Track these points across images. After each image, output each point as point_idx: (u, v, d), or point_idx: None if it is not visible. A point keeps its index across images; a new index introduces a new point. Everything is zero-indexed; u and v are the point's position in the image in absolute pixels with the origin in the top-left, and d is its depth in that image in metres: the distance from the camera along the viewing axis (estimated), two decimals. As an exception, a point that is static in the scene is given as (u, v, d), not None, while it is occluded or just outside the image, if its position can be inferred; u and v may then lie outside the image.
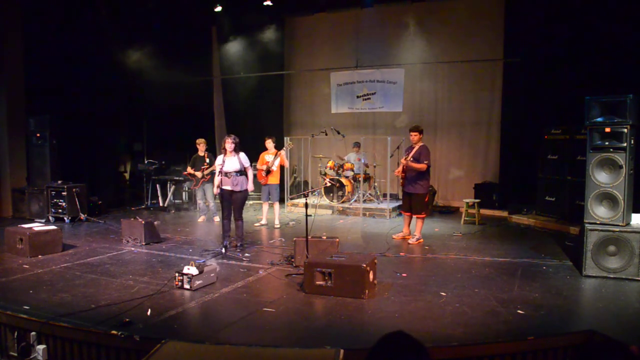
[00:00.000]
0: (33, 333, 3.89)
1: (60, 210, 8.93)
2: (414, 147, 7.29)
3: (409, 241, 7.24)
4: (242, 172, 6.79)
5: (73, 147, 10.04)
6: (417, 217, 7.30)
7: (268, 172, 8.47)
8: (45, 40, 9.53)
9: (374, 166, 10.55)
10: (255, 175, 8.48)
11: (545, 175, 8.74)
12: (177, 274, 5.00)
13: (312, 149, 11.20)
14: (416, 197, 7.25)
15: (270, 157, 8.54)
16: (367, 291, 4.64)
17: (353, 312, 4.35)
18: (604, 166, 5.49)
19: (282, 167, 9.17)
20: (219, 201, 7.14)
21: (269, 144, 8.72)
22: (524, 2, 9.51)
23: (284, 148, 8.83)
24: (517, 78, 9.77)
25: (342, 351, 2.53)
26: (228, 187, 6.67)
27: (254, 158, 8.44)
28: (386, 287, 5.02)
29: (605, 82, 7.48)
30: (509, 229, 8.60)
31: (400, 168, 7.40)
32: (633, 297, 4.75)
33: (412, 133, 7.28)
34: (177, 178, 10.69)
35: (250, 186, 6.89)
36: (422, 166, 7.06)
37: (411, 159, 7.13)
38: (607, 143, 5.45)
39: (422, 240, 7.29)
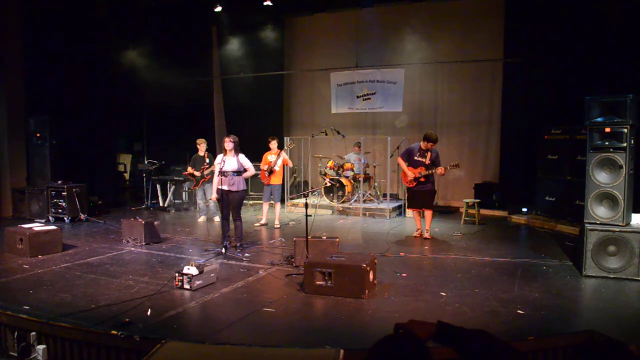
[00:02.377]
0: (33, 333, 3.90)
1: (60, 210, 8.92)
2: (424, 150, 7.29)
3: (425, 236, 7.50)
4: (240, 172, 6.79)
5: (73, 147, 10.03)
6: (428, 212, 7.56)
7: (271, 172, 8.49)
8: (45, 40, 9.52)
9: (374, 166, 10.55)
10: (258, 175, 8.50)
11: (545, 175, 8.72)
12: (177, 274, 5.00)
13: (312, 149, 11.21)
14: (428, 193, 7.47)
15: (273, 157, 8.56)
16: (367, 291, 4.64)
17: (353, 312, 4.35)
18: (604, 166, 5.49)
19: (285, 168, 9.18)
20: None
21: (273, 144, 8.74)
22: (524, 2, 9.51)
23: (285, 148, 8.85)
24: (517, 78, 9.77)
25: (342, 351, 2.54)
26: (225, 187, 6.66)
27: (254, 158, 8.45)
28: (386, 287, 5.02)
29: (605, 82, 7.48)
30: (509, 229, 8.60)
31: (419, 170, 7.31)
32: (633, 297, 4.75)
33: (429, 144, 7.21)
34: (177, 178, 10.68)
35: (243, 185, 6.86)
36: (443, 171, 7.18)
37: (431, 166, 7.22)
38: (607, 143, 5.44)
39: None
